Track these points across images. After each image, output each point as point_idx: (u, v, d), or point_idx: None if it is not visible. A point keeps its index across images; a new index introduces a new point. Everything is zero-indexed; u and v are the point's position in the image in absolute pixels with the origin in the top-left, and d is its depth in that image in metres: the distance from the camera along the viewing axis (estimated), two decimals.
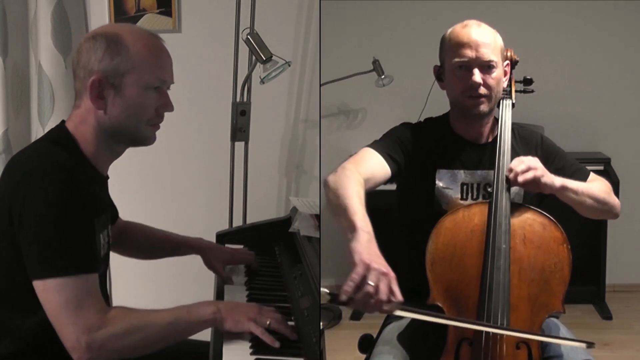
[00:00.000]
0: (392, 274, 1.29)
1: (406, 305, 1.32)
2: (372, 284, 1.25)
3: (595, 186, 1.72)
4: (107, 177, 1.67)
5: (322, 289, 1.40)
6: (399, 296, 1.28)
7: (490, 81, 1.65)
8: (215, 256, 2.02)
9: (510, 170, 1.59)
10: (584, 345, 1.49)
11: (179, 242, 2.05)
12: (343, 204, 1.46)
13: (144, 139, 1.60)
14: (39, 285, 1.39)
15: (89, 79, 1.51)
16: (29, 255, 1.40)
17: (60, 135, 1.55)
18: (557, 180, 1.60)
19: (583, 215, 1.71)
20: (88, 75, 1.51)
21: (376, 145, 1.70)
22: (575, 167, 1.78)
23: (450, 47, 1.68)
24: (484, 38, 1.65)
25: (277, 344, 1.53)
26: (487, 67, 1.64)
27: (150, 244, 2.04)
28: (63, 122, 1.60)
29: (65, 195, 1.40)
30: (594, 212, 1.71)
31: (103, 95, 1.52)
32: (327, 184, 1.55)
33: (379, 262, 1.29)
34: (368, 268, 1.26)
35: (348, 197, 1.47)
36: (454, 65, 1.66)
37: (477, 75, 1.63)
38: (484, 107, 1.67)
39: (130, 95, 1.53)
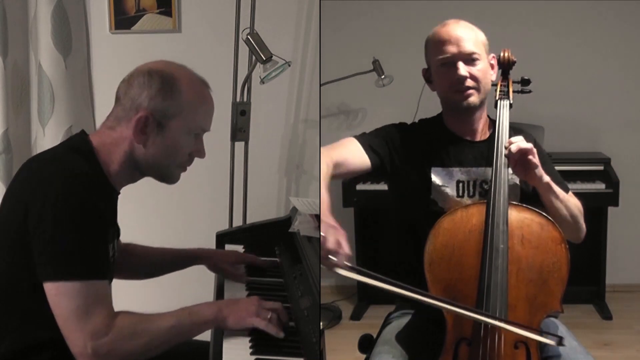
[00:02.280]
0: (341, 230, 1.39)
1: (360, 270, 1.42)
2: (322, 234, 1.37)
3: (573, 202, 1.72)
4: (119, 193, 1.69)
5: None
6: (346, 249, 1.38)
7: (476, 73, 1.66)
8: (221, 259, 2.02)
9: (510, 143, 1.59)
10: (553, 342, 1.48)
11: (178, 255, 2.02)
12: None
13: (170, 178, 1.65)
14: (51, 288, 1.40)
15: (136, 112, 1.53)
16: (43, 257, 1.40)
17: (81, 145, 1.57)
18: (546, 177, 1.61)
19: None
20: (135, 108, 1.53)
21: (360, 136, 1.72)
22: (558, 179, 1.77)
23: (433, 46, 1.70)
24: (463, 33, 1.67)
25: (281, 334, 1.55)
26: (470, 59, 1.66)
27: (150, 263, 2.00)
28: (84, 132, 1.61)
29: (84, 202, 1.42)
30: (564, 225, 1.67)
31: (146, 131, 1.54)
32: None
33: (329, 219, 1.42)
34: None
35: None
36: (438, 63, 1.68)
37: (462, 69, 1.65)
38: (473, 99, 1.68)
39: (173, 138, 1.57)
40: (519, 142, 1.59)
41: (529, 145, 1.58)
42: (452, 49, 1.66)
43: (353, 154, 1.68)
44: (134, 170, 1.60)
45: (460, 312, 1.47)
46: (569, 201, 1.69)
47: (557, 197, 1.65)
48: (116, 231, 1.71)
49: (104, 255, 1.49)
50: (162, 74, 1.55)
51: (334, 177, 1.62)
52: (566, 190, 1.76)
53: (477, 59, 1.67)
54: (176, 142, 1.58)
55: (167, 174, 1.63)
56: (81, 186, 1.43)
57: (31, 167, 1.55)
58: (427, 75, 1.76)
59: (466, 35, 1.67)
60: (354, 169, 1.68)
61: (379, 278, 1.43)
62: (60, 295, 1.39)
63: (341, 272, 1.38)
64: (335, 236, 1.37)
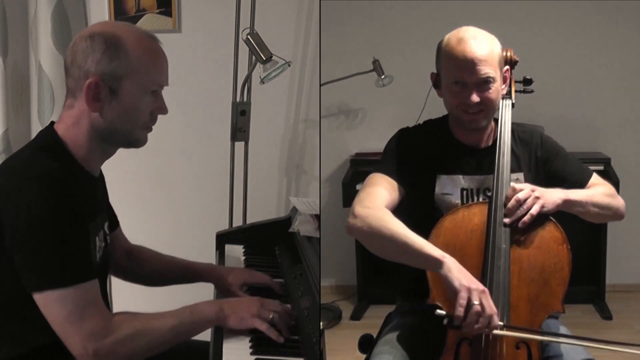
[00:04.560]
0: (487, 290, 1.45)
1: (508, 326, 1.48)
2: (477, 303, 1.41)
3: (599, 192, 1.70)
4: (100, 176, 1.66)
5: (439, 311, 1.46)
6: (494, 308, 1.44)
7: (488, 97, 1.61)
8: (230, 282, 1.89)
9: (510, 211, 1.56)
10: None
11: (188, 269, 1.94)
12: (402, 242, 1.52)
13: (137, 141, 1.58)
14: (39, 299, 1.38)
15: (85, 80, 1.47)
16: (25, 268, 1.38)
17: (47, 140, 1.52)
18: (558, 199, 1.58)
19: (588, 221, 1.70)
20: (84, 76, 1.47)
21: (383, 169, 1.68)
22: (576, 167, 1.77)
23: (446, 62, 1.63)
24: (480, 54, 1.59)
25: (281, 339, 1.54)
26: (484, 83, 1.60)
27: (157, 271, 1.94)
28: (52, 123, 1.57)
29: (57, 206, 1.37)
30: (599, 218, 1.70)
31: (99, 98, 1.48)
32: (360, 229, 1.56)
33: (476, 283, 1.45)
34: (469, 290, 1.43)
35: (401, 233, 1.53)
36: (450, 82, 1.63)
37: (474, 96, 1.60)
38: (481, 122, 1.66)
39: (128, 99, 1.50)
40: (516, 213, 1.56)
41: (522, 212, 1.55)
42: (466, 75, 1.59)
43: (392, 191, 1.65)
44: (102, 144, 1.54)
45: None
46: (594, 197, 1.67)
47: (579, 204, 1.63)
48: (105, 217, 1.68)
49: (88, 256, 1.46)
50: (105, 35, 1.48)
51: None
52: (589, 175, 1.76)
53: (491, 82, 1.61)
54: (133, 103, 1.51)
55: (133, 138, 1.56)
56: (51, 191, 1.37)
57: (0, 177, 1.48)
58: (436, 82, 1.70)
59: (482, 56, 1.58)
60: (397, 203, 1.66)
61: (537, 332, 1.52)
62: (49, 304, 1.38)
63: (499, 333, 1.45)
64: (488, 301, 1.43)
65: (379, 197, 1.62)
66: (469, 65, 1.58)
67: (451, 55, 1.61)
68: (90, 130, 1.52)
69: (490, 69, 1.60)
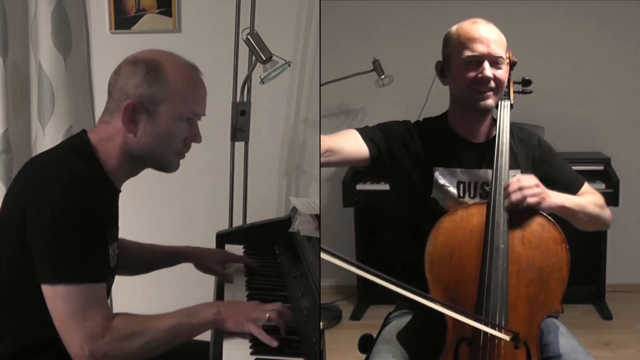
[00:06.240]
0: None
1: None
2: None
3: (591, 201, 1.73)
4: (120, 191, 1.68)
5: None
6: None
7: (499, 76, 1.66)
8: (208, 258, 2.03)
9: (508, 195, 1.56)
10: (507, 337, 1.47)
11: (166, 252, 2.03)
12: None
13: (168, 165, 1.64)
14: (47, 291, 1.40)
15: (124, 101, 1.53)
16: (40, 259, 1.41)
17: (80, 145, 1.57)
18: (557, 201, 1.60)
19: (576, 227, 1.72)
20: (123, 98, 1.53)
21: (361, 128, 1.72)
22: (571, 174, 1.79)
23: (460, 42, 1.68)
24: (493, 35, 1.67)
25: (274, 344, 1.54)
26: (496, 62, 1.66)
27: (139, 259, 2.00)
28: (84, 132, 1.61)
29: (82, 204, 1.42)
30: (587, 226, 1.73)
31: (135, 120, 1.54)
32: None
33: None
34: None
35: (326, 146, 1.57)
36: (464, 60, 1.66)
37: (488, 70, 1.64)
38: (490, 102, 1.67)
39: (163, 123, 1.56)
40: (511, 195, 1.56)
41: (520, 196, 1.55)
42: (482, 49, 1.65)
43: (351, 143, 1.67)
44: (132, 162, 1.60)
45: (450, 313, 1.46)
46: (587, 207, 1.70)
47: (573, 210, 1.65)
48: (118, 230, 1.71)
49: (101, 258, 1.49)
50: (147, 61, 1.55)
51: (325, 164, 1.62)
52: (581, 183, 1.78)
53: (501, 63, 1.67)
54: (168, 129, 1.57)
55: (164, 162, 1.63)
56: (78, 189, 1.42)
57: (30, 170, 1.55)
58: (442, 69, 1.74)
59: (496, 37, 1.67)
60: (350, 157, 1.68)
61: (381, 276, 1.38)
62: (56, 298, 1.40)
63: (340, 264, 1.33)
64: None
65: (333, 139, 1.64)
66: (484, 41, 1.65)
67: (466, 34, 1.68)
68: (123, 147, 1.57)
69: (501, 51, 1.67)
